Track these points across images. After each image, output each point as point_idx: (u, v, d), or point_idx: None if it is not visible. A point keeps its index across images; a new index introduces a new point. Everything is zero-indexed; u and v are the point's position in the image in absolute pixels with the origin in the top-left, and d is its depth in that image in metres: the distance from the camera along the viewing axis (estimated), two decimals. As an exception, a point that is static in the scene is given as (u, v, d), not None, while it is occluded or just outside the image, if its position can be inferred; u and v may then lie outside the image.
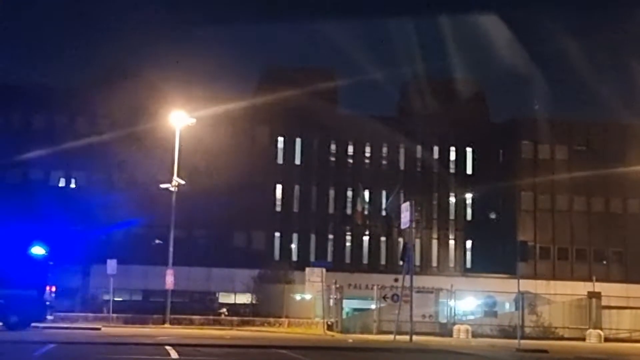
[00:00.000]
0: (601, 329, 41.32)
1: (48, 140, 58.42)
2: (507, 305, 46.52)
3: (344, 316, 44.35)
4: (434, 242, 64.84)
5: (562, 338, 40.80)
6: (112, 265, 42.86)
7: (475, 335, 38.16)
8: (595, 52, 70.27)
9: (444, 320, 41.55)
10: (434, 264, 64.37)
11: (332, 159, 64.61)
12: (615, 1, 63.71)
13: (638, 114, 61.59)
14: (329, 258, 61.84)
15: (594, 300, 44.35)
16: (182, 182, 44.57)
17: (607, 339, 39.65)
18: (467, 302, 46.41)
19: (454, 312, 42.21)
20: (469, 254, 65.30)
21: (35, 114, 60.99)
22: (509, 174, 62.98)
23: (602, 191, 64.20)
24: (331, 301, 41.93)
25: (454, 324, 40.15)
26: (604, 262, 63.80)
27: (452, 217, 65.41)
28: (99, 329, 37.10)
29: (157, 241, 53.06)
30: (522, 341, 30.92)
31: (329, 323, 40.19)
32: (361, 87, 63.48)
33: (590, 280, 52.33)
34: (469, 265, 64.71)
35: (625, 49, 62.86)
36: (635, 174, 61.47)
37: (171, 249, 43.86)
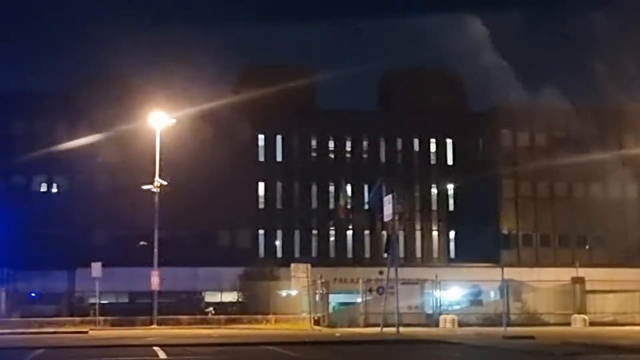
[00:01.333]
0: (586, 313, 41.78)
1: (29, 146, 58.20)
2: (492, 294, 46.83)
3: (331, 310, 44.54)
4: (417, 234, 65.14)
5: (547, 324, 41.20)
6: (96, 268, 42.82)
7: (461, 324, 38.43)
8: (572, 37, 70.77)
9: (430, 311, 41.83)
10: (418, 255, 64.66)
11: (313, 154, 64.75)
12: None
13: (616, 99, 62.06)
14: (314, 253, 62.05)
15: (577, 285, 44.87)
16: (164, 182, 44.54)
17: (592, 323, 40.08)
18: (452, 292, 46.70)
19: (440, 303, 42.50)
20: (452, 244, 65.62)
21: (15, 119, 60.70)
22: (489, 163, 63.28)
23: (582, 177, 64.63)
24: (317, 296, 42.13)
25: (440, 314, 40.44)
26: (587, 247, 64.27)
27: (434, 208, 65.72)
28: (86, 332, 37.10)
29: (141, 243, 53.05)
30: (508, 328, 31.21)
31: (316, 318, 40.40)
32: (340, 82, 63.48)
33: (573, 266, 52.85)
34: (452, 255, 65.04)
35: (602, 34, 63.27)
36: (615, 159, 62.04)
37: (156, 250, 43.86)
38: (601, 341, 25.24)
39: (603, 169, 63.35)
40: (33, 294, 46.28)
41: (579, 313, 41.50)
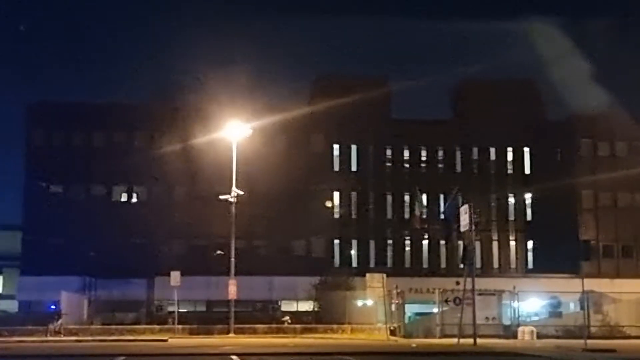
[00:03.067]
0: (670, 326, 40.63)
1: (109, 156, 59.69)
2: (572, 306, 45.86)
3: (407, 321, 44.27)
4: (495, 244, 64.31)
5: (629, 337, 40.18)
6: (175, 276, 43.41)
7: (540, 336, 37.79)
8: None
9: (508, 322, 41.26)
10: (495, 265, 63.84)
11: (388, 164, 64.56)
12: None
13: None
14: (389, 263, 61.86)
15: (661, 297, 43.69)
16: (241, 192, 44.99)
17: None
18: (530, 303, 45.96)
19: (518, 314, 41.90)
20: (530, 255, 64.59)
21: (95, 130, 62.16)
22: (568, 173, 62.13)
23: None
24: (393, 306, 41.95)
25: (518, 325, 39.85)
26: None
27: (511, 218, 64.83)
28: (165, 340, 37.73)
29: (218, 252, 53.75)
30: (589, 341, 30.58)
31: (392, 328, 40.22)
32: (414, 91, 63.19)
33: (656, 277, 51.53)
34: (530, 266, 64.01)
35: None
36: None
37: (232, 259, 44.29)
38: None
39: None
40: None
41: (663, 326, 40.39)
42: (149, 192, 62.49)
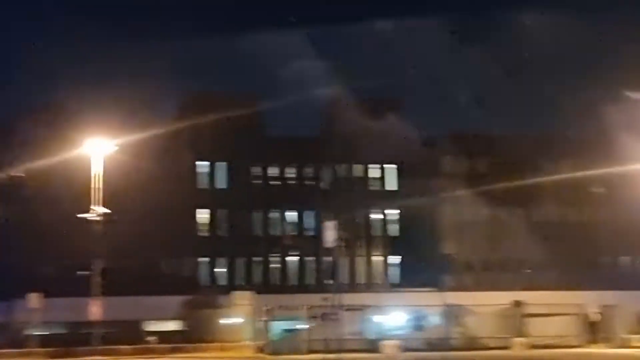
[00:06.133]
0: (526, 336, 42.27)
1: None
2: (436, 319, 47.23)
3: (274, 338, 44.38)
4: (361, 260, 65.21)
5: (488, 348, 41.60)
6: (33, 299, 42.27)
7: (404, 349, 38.61)
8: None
9: (373, 337, 41.95)
10: (362, 281, 64.70)
11: (257, 181, 64.65)
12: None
13: (552, 126, 63.42)
14: (257, 281, 61.76)
15: (518, 308, 45.42)
16: (104, 210, 44.08)
17: (534, 346, 40.55)
18: (395, 317, 46.90)
19: (382, 328, 42.67)
20: (395, 270, 65.78)
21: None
22: (432, 189, 63.79)
23: (520, 200, 65.49)
24: (261, 323, 42.01)
25: (383, 339, 40.58)
26: (529, 271, 65.02)
27: (378, 233, 65.96)
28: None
29: (80, 272, 52.29)
30: (450, 353, 31.53)
31: (260, 345, 40.27)
32: (285, 109, 63.60)
33: (514, 289, 53.49)
34: (396, 281, 65.22)
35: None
36: (551, 183, 63.12)
37: (97, 279, 43.31)
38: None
39: (539, 194, 64.53)
40: None
41: (519, 336, 41.97)
42: (7, 212, 60.20)
